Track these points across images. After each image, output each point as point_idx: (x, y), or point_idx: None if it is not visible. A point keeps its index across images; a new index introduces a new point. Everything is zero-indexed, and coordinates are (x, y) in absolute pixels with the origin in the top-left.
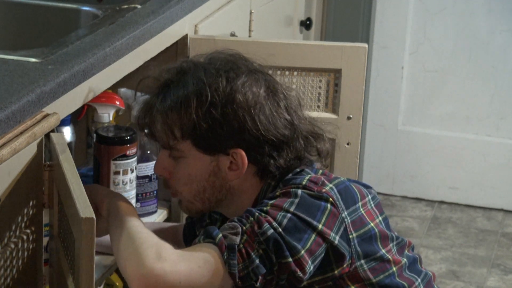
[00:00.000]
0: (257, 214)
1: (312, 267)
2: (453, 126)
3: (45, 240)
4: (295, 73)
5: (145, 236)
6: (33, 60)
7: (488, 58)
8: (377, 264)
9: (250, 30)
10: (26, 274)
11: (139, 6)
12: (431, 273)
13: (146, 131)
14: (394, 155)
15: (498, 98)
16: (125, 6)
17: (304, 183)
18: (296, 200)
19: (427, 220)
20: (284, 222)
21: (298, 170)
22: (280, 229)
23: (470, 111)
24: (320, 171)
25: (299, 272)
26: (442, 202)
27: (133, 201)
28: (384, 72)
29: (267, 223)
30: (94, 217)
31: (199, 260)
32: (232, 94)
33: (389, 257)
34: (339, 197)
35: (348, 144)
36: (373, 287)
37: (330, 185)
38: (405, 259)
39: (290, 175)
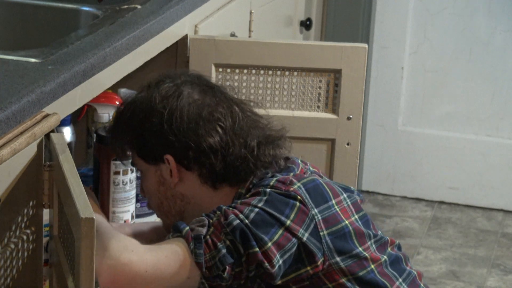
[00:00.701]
0: (224, 208)
1: (281, 261)
2: (453, 126)
3: (45, 240)
4: (295, 73)
5: (112, 233)
6: (33, 60)
7: (488, 58)
8: (353, 262)
9: (250, 30)
10: (26, 274)
11: (139, 6)
12: (415, 272)
13: (114, 156)
14: (394, 155)
15: (498, 98)
16: (125, 6)
17: (272, 183)
18: (265, 198)
19: (427, 220)
20: (251, 215)
21: (270, 175)
22: (246, 221)
23: (470, 111)
24: (291, 173)
25: (266, 264)
26: (442, 202)
27: (133, 201)
28: (384, 72)
29: (233, 215)
30: (94, 217)
31: (166, 251)
32: (152, 100)
33: (366, 254)
34: (307, 195)
35: (348, 144)
36: (352, 285)
37: (298, 184)
38: (385, 257)
39: (262, 179)
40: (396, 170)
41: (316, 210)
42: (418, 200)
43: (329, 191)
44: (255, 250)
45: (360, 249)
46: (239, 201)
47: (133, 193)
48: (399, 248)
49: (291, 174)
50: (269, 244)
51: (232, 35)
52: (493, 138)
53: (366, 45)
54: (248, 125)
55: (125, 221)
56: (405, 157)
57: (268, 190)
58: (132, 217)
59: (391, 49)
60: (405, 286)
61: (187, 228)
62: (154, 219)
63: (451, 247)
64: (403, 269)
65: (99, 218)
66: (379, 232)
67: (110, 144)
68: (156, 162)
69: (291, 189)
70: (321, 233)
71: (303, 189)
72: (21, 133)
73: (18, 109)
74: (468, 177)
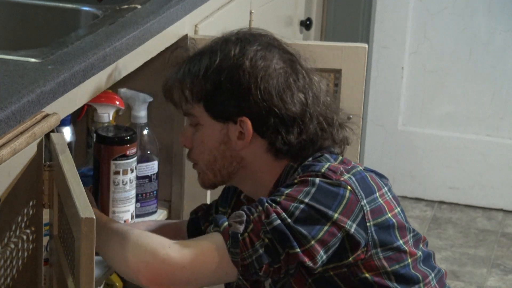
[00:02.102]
0: (266, 204)
1: (325, 257)
2: (453, 126)
3: (45, 239)
4: None
5: (139, 232)
6: (33, 60)
7: (488, 58)
8: (393, 254)
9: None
10: (26, 274)
11: (139, 6)
12: (444, 271)
13: (168, 99)
14: (394, 155)
15: (498, 98)
16: (125, 6)
17: (323, 171)
18: (313, 190)
19: (427, 220)
20: (297, 213)
21: (318, 154)
22: (289, 220)
23: (470, 111)
24: (340, 157)
25: (308, 262)
26: (442, 202)
27: (133, 201)
28: (384, 72)
29: (274, 214)
30: (94, 217)
31: (204, 247)
32: (241, 59)
33: (406, 248)
34: (358, 185)
35: (348, 144)
36: (388, 276)
37: (348, 175)
38: (420, 252)
39: (310, 159)
40: (396, 170)
41: (365, 201)
42: (418, 200)
43: (373, 184)
44: (295, 250)
45: (401, 241)
46: (286, 192)
47: (133, 193)
48: (427, 245)
49: (339, 158)
50: (312, 242)
51: None
52: (493, 138)
53: (366, 45)
54: (327, 101)
55: (125, 221)
56: (405, 157)
57: (317, 181)
58: (132, 217)
59: (391, 49)
60: (435, 283)
61: (226, 223)
62: (154, 219)
63: (451, 247)
64: (434, 266)
65: (103, 217)
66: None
67: (168, 86)
68: (225, 120)
69: (342, 179)
70: (367, 224)
71: (353, 179)
72: (21, 133)
73: (18, 109)
74: (468, 177)
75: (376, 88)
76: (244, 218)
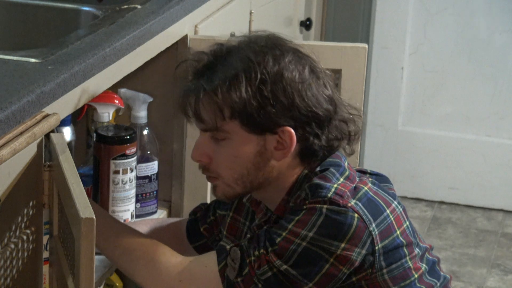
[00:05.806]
0: (262, 250)
1: None
2: (453, 126)
3: (46, 238)
4: None
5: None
6: (33, 60)
7: (488, 58)
8: (398, 273)
9: (250, 31)
10: (26, 274)
11: (139, 6)
12: (449, 276)
13: (191, 113)
14: (394, 155)
15: (498, 98)
16: (125, 6)
17: (329, 195)
18: (319, 222)
19: (427, 220)
20: (294, 256)
21: (325, 167)
22: (284, 267)
23: (470, 111)
24: (346, 172)
25: None
26: (442, 203)
27: (132, 200)
28: (384, 72)
29: (266, 265)
30: (94, 217)
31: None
32: (281, 71)
33: (411, 265)
34: (364, 210)
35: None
36: None
37: (355, 201)
38: (424, 265)
39: (318, 169)
40: (396, 170)
41: (374, 225)
42: (418, 200)
43: (381, 202)
44: None
45: (407, 258)
46: (289, 226)
47: (132, 192)
48: (432, 250)
49: (346, 174)
50: (310, 284)
51: (232, 35)
52: (493, 138)
53: (366, 45)
54: (339, 96)
55: (124, 221)
56: (405, 157)
57: (324, 210)
58: (132, 216)
59: (391, 49)
60: None
61: (224, 263)
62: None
63: (451, 247)
64: (439, 275)
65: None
66: (420, 237)
67: (193, 102)
68: (263, 132)
69: (349, 204)
70: (376, 247)
71: (360, 204)
72: (21, 133)
73: (18, 109)
74: (468, 177)
75: (376, 88)
76: (237, 264)
